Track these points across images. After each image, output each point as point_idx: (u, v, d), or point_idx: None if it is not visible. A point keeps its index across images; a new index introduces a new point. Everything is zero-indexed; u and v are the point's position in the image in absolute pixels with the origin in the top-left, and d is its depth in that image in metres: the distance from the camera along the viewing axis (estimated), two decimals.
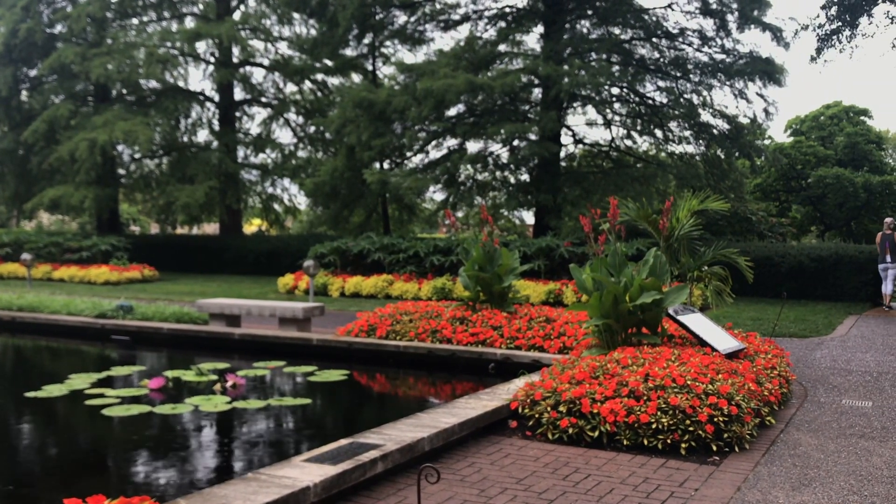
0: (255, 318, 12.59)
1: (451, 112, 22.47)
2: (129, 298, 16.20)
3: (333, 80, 30.69)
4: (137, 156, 30.13)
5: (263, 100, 31.46)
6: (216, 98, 30.48)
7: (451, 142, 23.83)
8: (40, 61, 28.69)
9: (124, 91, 29.70)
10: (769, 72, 21.43)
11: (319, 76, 30.45)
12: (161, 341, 11.35)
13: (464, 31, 35.28)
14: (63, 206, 27.59)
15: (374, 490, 4.70)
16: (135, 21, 30.05)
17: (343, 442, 5.05)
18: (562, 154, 23.58)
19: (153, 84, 29.28)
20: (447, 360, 9.15)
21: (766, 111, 22.74)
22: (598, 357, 6.91)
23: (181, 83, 30.28)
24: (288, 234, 34.16)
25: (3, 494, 5.05)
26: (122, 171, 30.75)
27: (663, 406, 5.74)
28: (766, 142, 34.32)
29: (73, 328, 12.14)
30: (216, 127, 30.84)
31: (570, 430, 5.78)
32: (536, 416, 6.04)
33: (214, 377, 8.57)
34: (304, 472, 4.40)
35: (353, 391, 8.62)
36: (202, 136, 31.80)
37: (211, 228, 43.40)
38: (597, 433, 5.73)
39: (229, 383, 8.14)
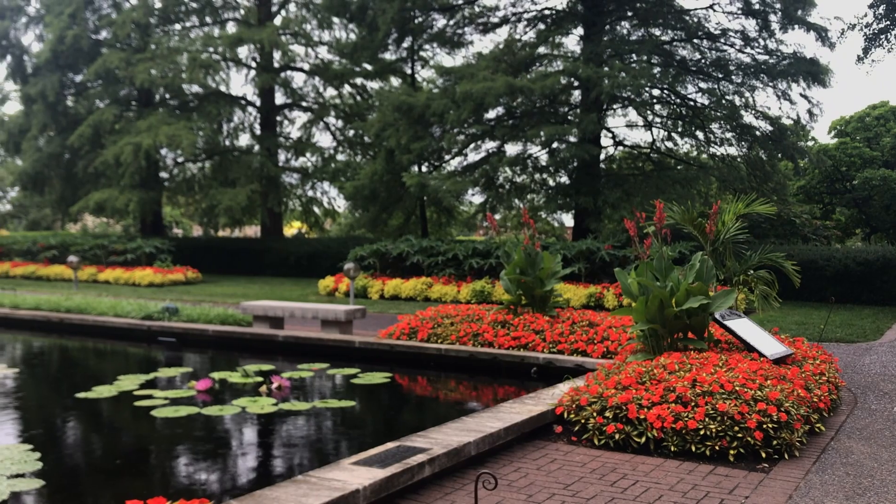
0: (297, 321, 12.71)
1: (490, 115, 22.47)
2: (174, 300, 16.45)
3: (373, 84, 30.88)
4: (180, 160, 30.57)
5: (304, 104, 31.75)
6: (257, 102, 30.83)
7: (490, 144, 23.83)
8: (86, 67, 29.24)
9: (167, 96, 30.19)
10: (813, 72, 21.08)
11: (359, 80, 30.64)
12: (206, 343, 11.51)
13: (503, 33, 35.23)
14: (108, 209, 28.09)
15: (422, 494, 4.72)
16: (178, 27, 30.52)
17: (390, 445, 5.08)
18: (602, 156, 23.44)
19: (196, 89, 29.70)
20: (489, 364, 9.15)
21: (809, 112, 22.38)
22: (643, 362, 6.87)
23: (223, 88, 30.69)
24: (327, 236, 34.42)
25: (57, 494, 5.16)
26: (165, 175, 31.22)
27: (711, 412, 5.68)
28: (810, 143, 33.75)
29: (121, 330, 12.37)
30: (258, 131, 31.21)
31: (617, 436, 5.75)
32: (582, 421, 6.02)
33: (260, 379, 8.67)
34: (353, 475, 4.44)
35: (395, 394, 8.66)
36: (244, 140, 32.17)
37: (252, 231, 43.90)
38: (643, 439, 5.69)
39: (274, 385, 8.23)
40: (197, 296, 18.90)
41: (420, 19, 24.64)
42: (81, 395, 7.98)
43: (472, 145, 23.97)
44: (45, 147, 30.22)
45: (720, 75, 22.29)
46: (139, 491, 4.71)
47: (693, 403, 5.81)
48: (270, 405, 7.45)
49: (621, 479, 5.04)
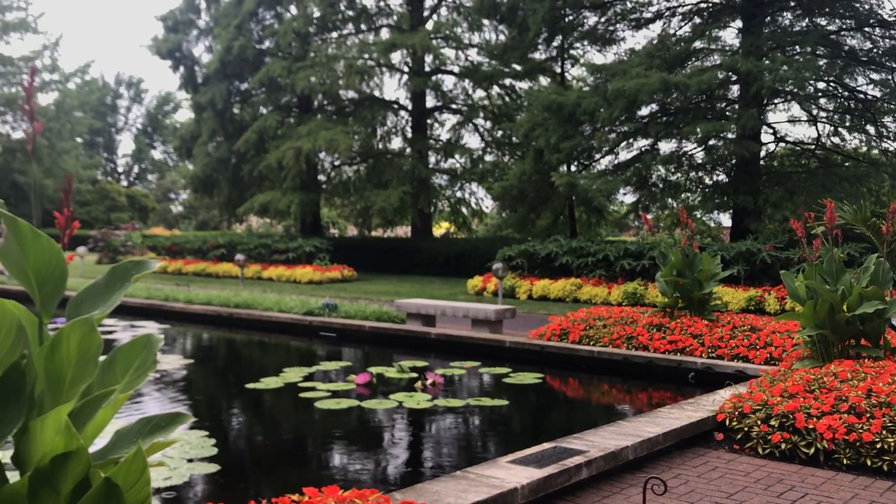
0: (448, 319, 12.92)
1: (643, 112, 21.99)
2: (332, 297, 17.12)
3: (521, 85, 30.94)
4: (337, 163, 31.80)
5: (453, 106, 32.23)
6: (409, 106, 31.57)
7: (643, 142, 23.32)
8: (251, 76, 30.94)
9: (325, 102, 31.47)
10: None
11: (508, 81, 30.78)
12: (363, 338, 11.91)
13: (656, 28, 34.33)
14: (271, 211, 29.64)
15: (579, 496, 4.69)
16: (335, 34, 31.74)
17: (546, 445, 5.09)
18: (762, 153, 22.43)
19: (351, 94, 30.81)
20: (643, 368, 8.96)
21: None
22: (811, 370, 6.53)
23: (377, 93, 31.66)
24: (475, 236, 34.77)
25: (230, 478, 5.50)
26: (323, 178, 32.55)
27: (889, 424, 5.33)
28: None
29: (284, 324, 13.00)
30: (409, 134, 31.98)
31: (783, 446, 5.49)
32: (745, 429, 5.79)
33: (414, 375, 8.88)
34: (511, 473, 4.47)
35: (547, 395, 8.65)
36: (396, 143, 33.10)
37: (403, 231, 45.00)
38: (812, 450, 5.41)
39: (429, 381, 8.42)
40: (353, 293, 19.58)
41: (571, 17, 24.46)
42: (250, 385, 8.45)
43: (623, 143, 23.56)
44: (214, 152, 32.22)
45: (894, 65, 20.81)
46: (305, 478, 4.94)
47: (868, 414, 5.47)
48: (426, 401, 7.62)
49: (788, 491, 4.82)
